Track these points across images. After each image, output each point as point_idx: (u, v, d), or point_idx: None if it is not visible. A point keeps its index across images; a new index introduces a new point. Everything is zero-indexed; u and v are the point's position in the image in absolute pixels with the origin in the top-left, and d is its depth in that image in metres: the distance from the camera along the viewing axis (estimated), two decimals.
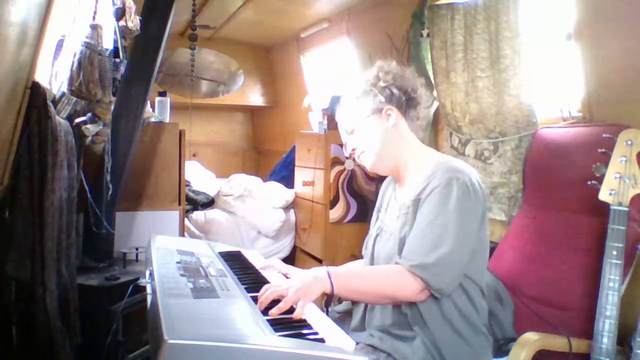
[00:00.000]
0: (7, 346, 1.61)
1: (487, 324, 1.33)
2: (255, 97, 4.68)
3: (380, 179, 2.96)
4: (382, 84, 1.34)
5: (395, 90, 1.34)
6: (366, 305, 1.34)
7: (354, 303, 1.41)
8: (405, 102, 1.36)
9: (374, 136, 1.34)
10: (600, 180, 1.38)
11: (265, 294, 1.09)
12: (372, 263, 1.39)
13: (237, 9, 3.36)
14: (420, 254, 1.17)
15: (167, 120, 2.77)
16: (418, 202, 1.24)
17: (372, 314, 1.32)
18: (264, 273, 1.39)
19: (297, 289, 1.10)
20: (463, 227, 1.18)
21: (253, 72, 4.62)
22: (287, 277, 1.37)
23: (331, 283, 1.15)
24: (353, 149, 1.39)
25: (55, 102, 1.77)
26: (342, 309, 1.49)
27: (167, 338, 0.76)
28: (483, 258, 1.29)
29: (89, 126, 1.85)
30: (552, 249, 1.63)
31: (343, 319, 1.43)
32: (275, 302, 1.08)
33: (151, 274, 1.14)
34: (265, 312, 1.05)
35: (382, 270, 1.27)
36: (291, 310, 1.07)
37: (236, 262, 1.48)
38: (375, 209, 1.53)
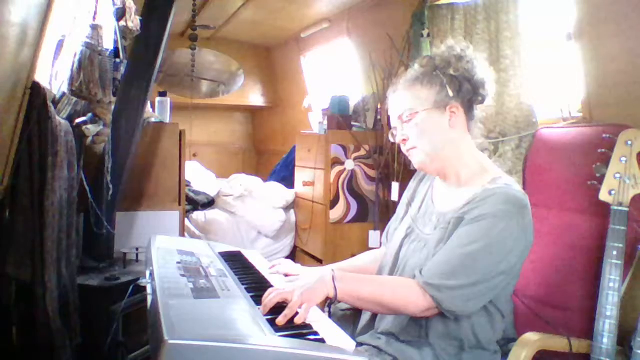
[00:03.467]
0: (7, 346, 1.61)
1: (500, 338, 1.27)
2: (255, 97, 4.68)
3: (380, 180, 2.97)
4: (451, 71, 1.16)
5: (465, 84, 1.17)
6: None
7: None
8: (472, 99, 1.19)
9: (431, 134, 1.18)
10: (600, 180, 1.38)
11: (269, 297, 1.06)
12: (395, 263, 1.31)
13: (237, 9, 3.36)
14: (439, 274, 1.10)
15: (167, 120, 2.77)
16: (461, 220, 1.13)
17: (383, 317, 1.25)
18: (265, 274, 1.39)
19: (301, 293, 1.06)
20: (495, 267, 1.09)
21: (253, 72, 4.62)
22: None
23: (335, 287, 1.10)
24: (404, 139, 1.23)
25: (55, 102, 1.77)
26: (348, 306, 1.43)
27: (167, 338, 0.76)
28: (511, 287, 1.21)
29: (89, 126, 1.85)
30: (552, 249, 1.62)
31: (348, 318, 1.39)
32: (279, 304, 1.05)
33: (151, 274, 1.14)
34: (269, 314, 1.03)
35: (390, 282, 1.20)
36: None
37: (236, 262, 1.48)
38: (404, 201, 1.42)
